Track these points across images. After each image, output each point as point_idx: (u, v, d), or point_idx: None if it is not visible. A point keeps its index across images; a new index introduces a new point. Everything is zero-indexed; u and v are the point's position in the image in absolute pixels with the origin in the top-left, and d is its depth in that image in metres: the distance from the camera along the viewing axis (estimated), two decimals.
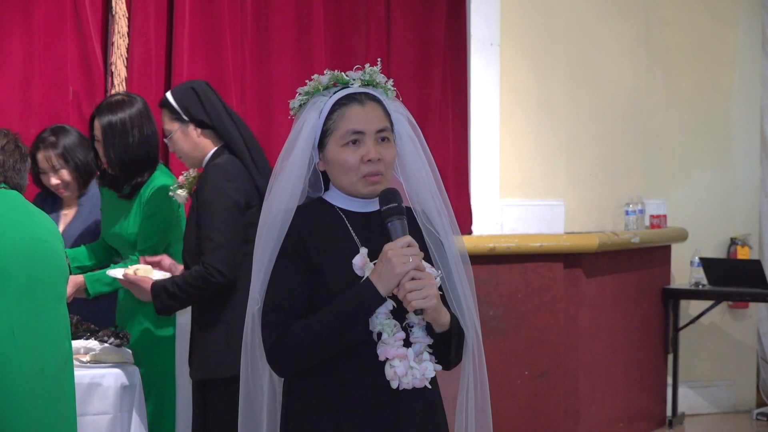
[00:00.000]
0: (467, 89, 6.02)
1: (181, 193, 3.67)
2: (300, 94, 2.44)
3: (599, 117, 6.36)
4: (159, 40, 5.12)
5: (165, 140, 3.64)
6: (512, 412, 5.53)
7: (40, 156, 4.16)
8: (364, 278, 2.30)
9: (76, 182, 4.22)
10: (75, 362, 3.43)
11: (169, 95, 3.63)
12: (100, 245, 4.13)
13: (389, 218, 2.31)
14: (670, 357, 6.57)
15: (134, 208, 3.89)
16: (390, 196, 2.33)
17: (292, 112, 2.46)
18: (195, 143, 3.58)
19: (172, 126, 3.59)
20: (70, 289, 3.82)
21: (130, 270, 3.57)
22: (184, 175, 3.67)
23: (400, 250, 2.27)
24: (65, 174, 4.18)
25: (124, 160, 3.84)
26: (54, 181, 4.17)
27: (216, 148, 3.57)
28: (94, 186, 4.29)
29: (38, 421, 3.08)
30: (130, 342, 3.80)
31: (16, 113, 4.80)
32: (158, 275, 3.57)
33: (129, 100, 3.90)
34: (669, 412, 6.56)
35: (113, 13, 5.01)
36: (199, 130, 3.57)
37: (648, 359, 6.38)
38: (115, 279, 3.77)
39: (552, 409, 5.61)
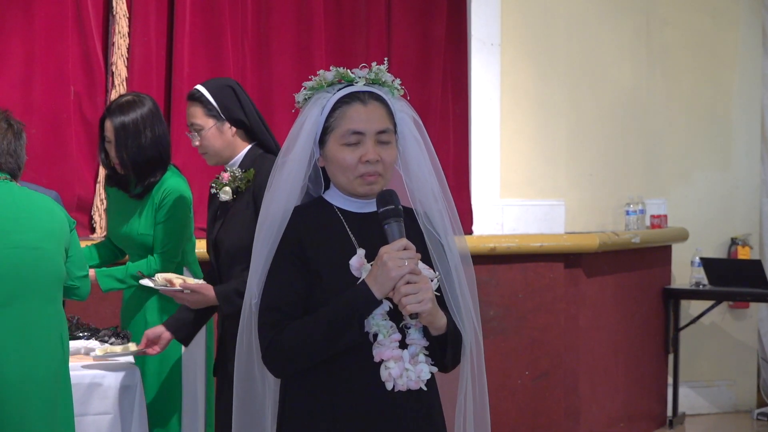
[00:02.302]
0: (468, 89, 6.02)
1: (228, 190, 3.59)
2: (305, 88, 2.42)
3: (599, 117, 6.35)
4: (159, 40, 5.12)
5: (189, 134, 3.55)
6: (512, 412, 5.53)
7: None
8: (360, 280, 2.29)
9: None
10: (81, 363, 3.42)
11: (203, 90, 3.53)
12: (105, 245, 4.12)
13: (386, 220, 2.30)
14: (671, 357, 6.57)
15: (146, 209, 3.88)
16: (387, 197, 2.32)
17: (297, 106, 2.45)
18: (228, 142, 3.51)
19: (206, 122, 3.50)
20: None
21: (170, 278, 3.49)
22: (230, 172, 3.55)
23: (396, 253, 2.25)
24: None
25: (138, 161, 3.83)
26: None
27: (249, 147, 3.51)
28: None
29: (29, 428, 3.07)
30: (131, 341, 3.80)
31: (17, 112, 4.73)
32: (191, 281, 3.53)
33: (139, 100, 3.89)
34: (669, 412, 6.56)
35: (114, 13, 5.02)
36: (233, 129, 3.51)
37: (648, 359, 6.38)
38: (127, 276, 3.79)
39: (552, 409, 5.61)
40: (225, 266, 3.48)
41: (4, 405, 3.03)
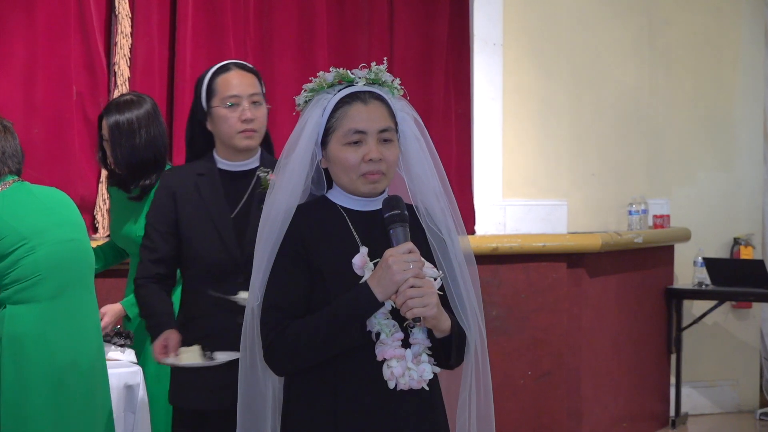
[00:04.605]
0: (470, 89, 6.01)
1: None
2: (305, 90, 2.43)
3: (602, 117, 6.35)
4: (162, 40, 5.12)
5: (233, 105, 3.33)
6: (515, 412, 5.52)
7: None
8: (362, 281, 2.29)
9: None
10: None
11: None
12: (110, 246, 4.12)
13: (392, 225, 2.30)
14: (674, 357, 6.56)
15: (143, 212, 3.87)
16: (393, 203, 2.32)
17: (297, 108, 2.45)
18: None
19: (263, 100, 3.37)
20: (107, 319, 3.79)
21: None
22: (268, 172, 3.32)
23: (400, 256, 2.26)
24: None
25: (131, 161, 3.82)
26: None
27: (261, 148, 3.46)
28: None
29: (75, 413, 3.16)
30: (133, 342, 3.80)
31: (19, 113, 4.80)
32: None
33: (138, 100, 3.88)
34: (672, 412, 6.55)
35: (116, 13, 5.02)
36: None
37: (651, 359, 6.38)
38: None
39: (555, 409, 5.61)
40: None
41: (57, 393, 3.13)
